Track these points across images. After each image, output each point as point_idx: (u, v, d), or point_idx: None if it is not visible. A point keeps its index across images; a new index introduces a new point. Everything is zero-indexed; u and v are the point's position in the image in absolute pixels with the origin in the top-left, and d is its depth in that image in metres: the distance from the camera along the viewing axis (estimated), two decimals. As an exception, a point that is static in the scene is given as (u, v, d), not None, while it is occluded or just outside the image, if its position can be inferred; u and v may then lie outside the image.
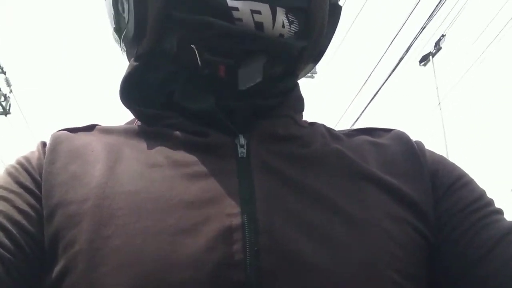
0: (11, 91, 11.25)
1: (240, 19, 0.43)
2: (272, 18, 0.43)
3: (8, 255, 0.38)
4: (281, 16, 0.44)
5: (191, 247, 0.37)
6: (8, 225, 0.39)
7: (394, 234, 0.42)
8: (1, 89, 11.01)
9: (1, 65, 11.05)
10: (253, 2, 0.42)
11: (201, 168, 0.42)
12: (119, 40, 0.52)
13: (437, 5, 5.89)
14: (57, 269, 0.39)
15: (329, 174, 0.45)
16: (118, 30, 0.51)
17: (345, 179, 0.45)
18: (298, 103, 0.52)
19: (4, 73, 11.24)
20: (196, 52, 0.44)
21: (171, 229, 0.38)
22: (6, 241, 0.39)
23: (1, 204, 0.41)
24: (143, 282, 0.36)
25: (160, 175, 0.42)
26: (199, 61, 0.44)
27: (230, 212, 0.39)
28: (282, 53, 0.46)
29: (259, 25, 0.43)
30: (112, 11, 0.51)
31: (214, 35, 0.43)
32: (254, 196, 0.41)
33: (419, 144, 0.51)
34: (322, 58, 0.54)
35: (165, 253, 0.37)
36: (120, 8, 0.49)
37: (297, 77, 0.53)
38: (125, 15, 0.48)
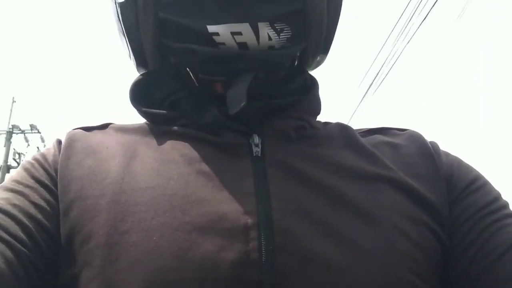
0: (44, 146, 12.30)
1: (222, 43, 0.43)
2: (255, 35, 0.42)
3: (24, 249, 0.38)
4: (264, 30, 0.43)
5: (207, 245, 0.37)
6: (24, 219, 0.40)
7: (411, 235, 0.41)
8: (39, 148, 12.36)
9: (37, 127, 12.48)
10: (232, 24, 0.42)
11: (216, 166, 0.43)
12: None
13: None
14: (74, 263, 0.39)
15: (344, 173, 0.44)
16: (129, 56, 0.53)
17: (361, 179, 0.44)
18: (314, 105, 0.51)
19: (40, 132, 12.43)
20: (191, 74, 0.46)
21: (187, 226, 0.38)
22: (22, 235, 0.39)
23: (17, 199, 0.41)
24: (159, 278, 0.36)
25: (176, 172, 0.42)
26: (195, 82, 0.46)
27: (245, 210, 0.39)
28: (275, 64, 0.46)
29: (242, 45, 0.43)
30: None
31: (200, 61, 0.45)
32: (269, 195, 0.41)
33: (434, 145, 0.50)
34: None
35: (181, 250, 0.37)
36: (122, 42, 0.51)
37: (306, 72, 0.52)
38: (125, 47, 0.51)
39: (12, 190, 0.42)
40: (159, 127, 0.48)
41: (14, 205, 0.41)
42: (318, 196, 0.42)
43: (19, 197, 0.41)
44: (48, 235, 0.40)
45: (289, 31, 0.44)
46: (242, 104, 0.43)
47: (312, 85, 0.52)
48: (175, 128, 0.47)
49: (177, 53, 0.46)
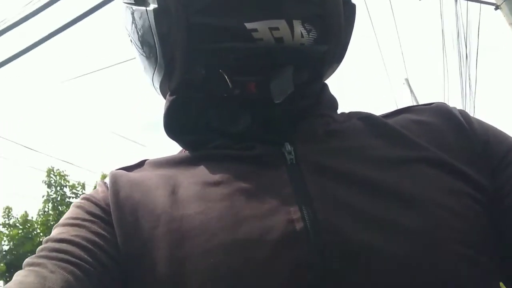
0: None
1: (260, 39, 0.45)
2: (290, 31, 0.45)
3: (92, 269, 0.40)
4: (298, 27, 0.45)
5: (262, 257, 0.39)
6: (87, 244, 0.42)
7: (455, 209, 0.42)
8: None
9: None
10: (269, 20, 0.44)
11: (255, 181, 0.44)
12: (151, 79, 0.55)
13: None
14: None
15: (378, 162, 0.45)
16: (147, 70, 0.54)
17: (395, 164, 0.45)
18: (332, 103, 0.54)
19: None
20: (225, 76, 0.47)
21: (240, 243, 0.40)
22: (88, 258, 0.41)
23: (77, 230, 0.43)
24: None
25: (219, 193, 0.44)
26: (229, 84, 0.47)
27: (291, 218, 0.41)
28: (306, 60, 0.48)
29: (279, 40, 0.45)
30: (140, 55, 0.54)
31: (240, 58, 0.46)
32: (311, 198, 0.42)
33: (464, 114, 0.50)
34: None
35: (239, 266, 0.39)
36: (147, 51, 0.51)
37: (322, 80, 0.54)
38: (152, 56, 0.50)
39: (70, 225, 0.44)
40: (194, 153, 0.50)
41: (76, 235, 0.43)
42: (357, 190, 0.43)
43: (77, 228, 0.43)
44: (112, 259, 0.42)
45: (315, 33, 0.47)
46: (289, 91, 0.46)
47: (323, 86, 0.55)
48: (208, 151, 0.49)
49: (213, 55, 0.47)
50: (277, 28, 0.44)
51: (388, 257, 0.39)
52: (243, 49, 0.45)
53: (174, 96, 0.52)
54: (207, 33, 0.46)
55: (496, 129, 0.50)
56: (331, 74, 0.56)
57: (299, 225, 0.40)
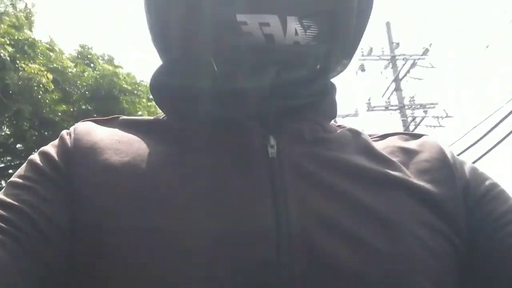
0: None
1: (249, 33, 0.43)
2: (283, 28, 0.43)
3: (32, 243, 0.38)
4: (292, 24, 0.43)
5: (227, 249, 0.38)
6: (33, 214, 0.39)
7: (427, 242, 0.42)
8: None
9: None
10: (261, 14, 0.42)
11: (232, 169, 0.42)
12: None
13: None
14: (96, 254, 0.39)
15: (359, 178, 0.44)
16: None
17: (376, 184, 0.44)
18: (330, 109, 0.51)
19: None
20: (214, 63, 0.45)
21: (211, 229, 0.39)
22: (32, 231, 0.39)
23: (25, 194, 0.41)
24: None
25: (190, 172, 0.42)
26: (216, 72, 0.45)
27: (263, 213, 0.40)
28: (298, 59, 0.45)
29: (269, 37, 0.43)
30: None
31: (226, 50, 0.44)
32: (287, 198, 0.41)
33: (450, 153, 0.50)
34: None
35: (207, 260, 0.38)
36: (148, 21, 0.51)
37: (328, 77, 0.52)
38: (151, 28, 0.51)
39: (19, 186, 0.42)
40: (173, 123, 0.48)
41: (23, 200, 0.40)
42: (333, 200, 0.42)
43: (26, 192, 0.41)
44: (58, 229, 0.40)
45: (316, 29, 0.44)
46: (264, 99, 0.44)
47: (330, 88, 0.52)
48: (189, 125, 0.47)
49: (202, 41, 0.45)
50: (267, 24, 0.42)
51: (352, 274, 0.38)
52: (230, 41, 0.43)
53: (164, 65, 0.51)
54: (201, 18, 0.44)
55: (477, 170, 0.50)
56: (341, 71, 0.53)
57: (269, 223, 0.39)
